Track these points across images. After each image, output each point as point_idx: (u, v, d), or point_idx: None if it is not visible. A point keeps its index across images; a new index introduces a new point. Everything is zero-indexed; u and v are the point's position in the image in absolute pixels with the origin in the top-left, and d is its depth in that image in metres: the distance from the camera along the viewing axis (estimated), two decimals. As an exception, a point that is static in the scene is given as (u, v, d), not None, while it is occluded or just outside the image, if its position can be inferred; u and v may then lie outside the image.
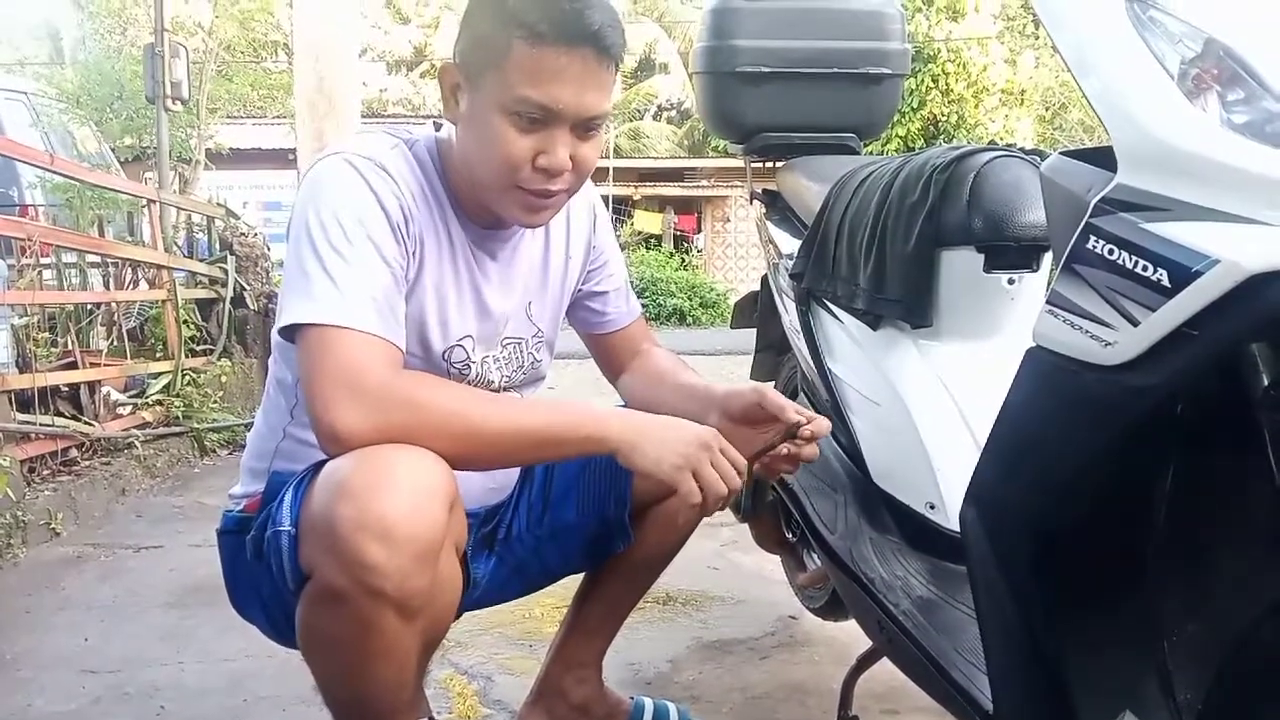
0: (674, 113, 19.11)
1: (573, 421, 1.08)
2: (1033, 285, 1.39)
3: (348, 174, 1.08)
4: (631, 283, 1.46)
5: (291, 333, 1.06)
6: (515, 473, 1.37)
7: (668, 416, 1.14)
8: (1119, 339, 0.79)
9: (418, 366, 1.16)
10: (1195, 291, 0.73)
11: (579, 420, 1.08)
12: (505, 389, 1.28)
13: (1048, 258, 1.38)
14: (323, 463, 1.04)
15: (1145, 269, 0.77)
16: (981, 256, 1.37)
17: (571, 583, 1.47)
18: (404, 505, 0.96)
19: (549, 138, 1.06)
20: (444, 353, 1.20)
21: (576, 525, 1.36)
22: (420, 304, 1.15)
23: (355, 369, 1.01)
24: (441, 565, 1.03)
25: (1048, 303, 0.86)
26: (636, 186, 16.98)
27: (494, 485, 1.32)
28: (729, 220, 17.46)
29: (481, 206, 1.16)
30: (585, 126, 1.08)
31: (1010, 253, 1.36)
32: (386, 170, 1.10)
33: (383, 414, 1.00)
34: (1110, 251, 0.80)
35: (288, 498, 1.06)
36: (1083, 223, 0.82)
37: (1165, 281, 0.75)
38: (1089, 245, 0.81)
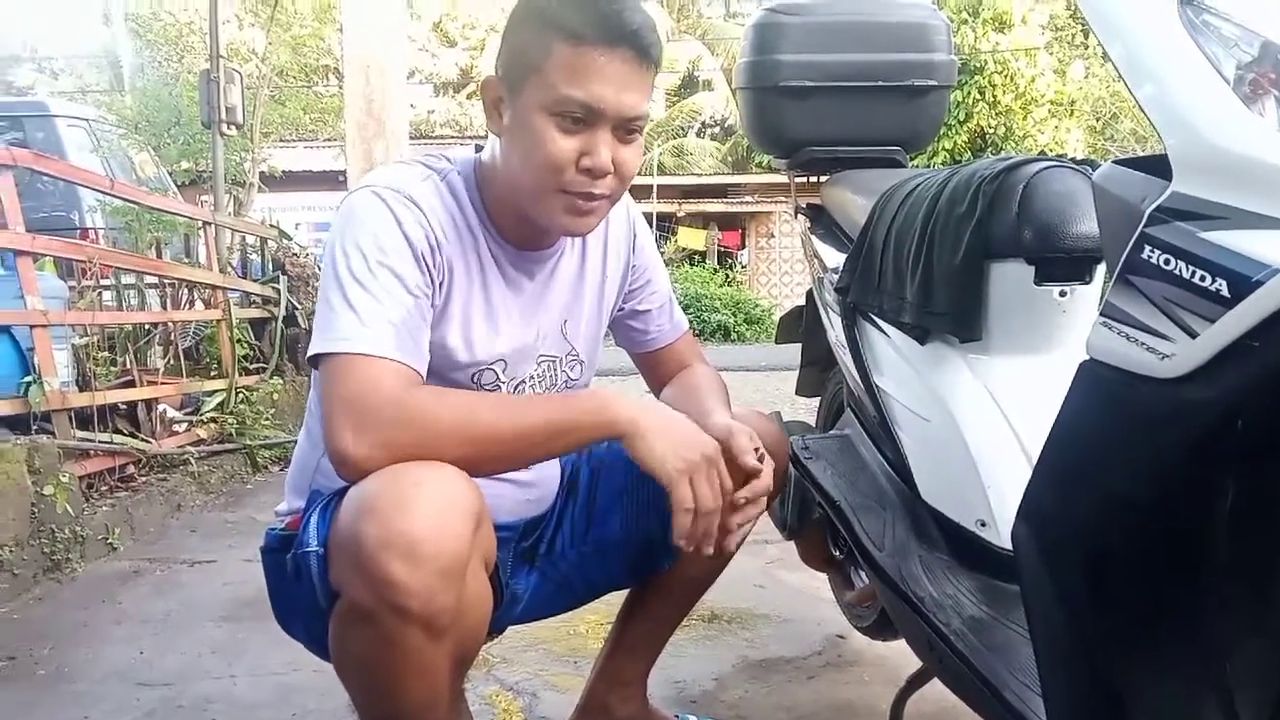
0: (717, 129, 19.15)
1: (581, 408, 1.08)
2: (1085, 297, 1.36)
3: (375, 206, 1.10)
4: (676, 299, 1.46)
5: (318, 362, 1.07)
6: (554, 485, 1.36)
7: (682, 416, 1.13)
8: (1176, 351, 0.77)
9: None
10: (1256, 301, 0.71)
11: (587, 406, 1.08)
12: None
13: (1100, 269, 1.35)
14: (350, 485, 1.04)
15: (1203, 279, 0.74)
16: (1032, 269, 1.34)
17: (616, 599, 1.47)
18: (428, 522, 0.95)
19: (591, 139, 1.07)
20: (473, 376, 1.20)
21: (621, 542, 1.36)
22: (447, 331, 1.16)
23: (363, 394, 1.01)
24: (469, 581, 1.02)
25: (1101, 315, 0.84)
26: (680, 203, 17.02)
27: (530, 498, 1.32)
28: (773, 236, 17.43)
29: (522, 222, 1.17)
30: (626, 129, 1.09)
31: (1062, 264, 1.33)
32: (414, 201, 1.12)
33: (388, 433, 1.00)
34: (1166, 261, 0.78)
35: (314, 519, 1.07)
36: (1137, 232, 0.80)
37: (1224, 291, 0.73)
38: (1144, 255, 0.79)
